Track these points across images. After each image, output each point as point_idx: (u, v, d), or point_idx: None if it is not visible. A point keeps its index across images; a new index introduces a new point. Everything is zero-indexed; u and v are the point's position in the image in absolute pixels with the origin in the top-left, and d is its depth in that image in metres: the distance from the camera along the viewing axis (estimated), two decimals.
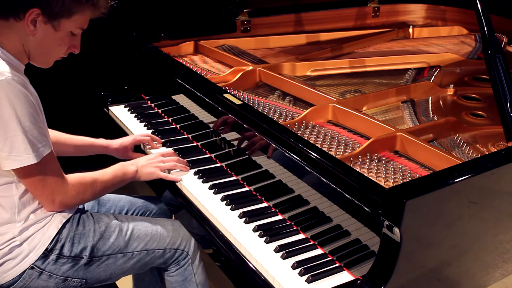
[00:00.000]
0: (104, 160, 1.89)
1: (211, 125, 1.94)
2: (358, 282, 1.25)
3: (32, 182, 1.46)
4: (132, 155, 1.95)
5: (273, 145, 1.58)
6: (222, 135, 1.87)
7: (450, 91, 2.03)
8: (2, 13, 1.41)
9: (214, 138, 1.93)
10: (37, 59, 1.50)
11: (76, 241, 1.58)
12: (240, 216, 1.57)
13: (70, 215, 1.60)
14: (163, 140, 2.00)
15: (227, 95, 1.83)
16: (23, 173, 1.44)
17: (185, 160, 1.85)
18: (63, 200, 1.52)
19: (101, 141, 1.96)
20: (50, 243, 1.53)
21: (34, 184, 1.46)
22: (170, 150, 1.92)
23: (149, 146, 1.98)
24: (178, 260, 1.73)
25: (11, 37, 1.44)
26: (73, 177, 1.55)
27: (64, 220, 1.57)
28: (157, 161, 1.77)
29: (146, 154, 1.95)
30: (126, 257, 1.65)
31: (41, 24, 1.42)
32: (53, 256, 1.54)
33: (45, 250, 1.53)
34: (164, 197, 1.88)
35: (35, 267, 1.52)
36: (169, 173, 1.78)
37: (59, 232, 1.55)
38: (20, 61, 1.48)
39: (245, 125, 1.70)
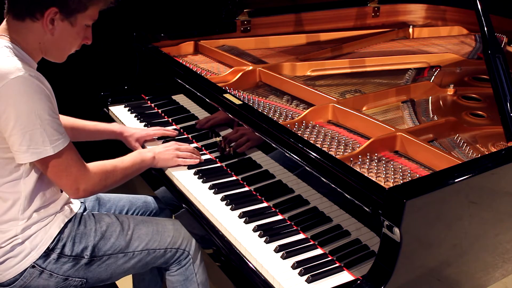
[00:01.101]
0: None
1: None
2: (358, 282, 1.25)
3: (55, 173, 1.47)
4: (137, 148, 1.95)
5: (273, 145, 1.58)
6: (222, 135, 1.87)
7: (450, 91, 2.03)
8: (18, 14, 1.44)
9: (214, 138, 1.94)
10: (54, 54, 1.53)
11: (77, 240, 1.58)
12: (240, 216, 1.57)
13: (72, 214, 1.61)
14: (162, 141, 2.00)
15: (227, 95, 1.83)
16: (45, 165, 1.45)
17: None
18: (87, 187, 1.53)
19: (115, 127, 1.99)
20: (52, 242, 1.54)
21: (58, 175, 1.48)
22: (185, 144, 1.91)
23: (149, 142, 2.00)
24: (179, 260, 1.73)
25: (28, 36, 1.46)
26: (94, 165, 1.56)
27: (66, 220, 1.58)
28: (173, 149, 1.80)
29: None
30: (127, 257, 1.65)
31: (58, 22, 1.45)
32: (54, 255, 1.54)
33: (46, 249, 1.53)
34: (164, 197, 1.88)
35: (36, 265, 1.53)
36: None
37: (61, 232, 1.56)
38: (34, 59, 1.50)
39: (245, 125, 1.70)
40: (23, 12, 1.43)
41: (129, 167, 1.67)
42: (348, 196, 1.34)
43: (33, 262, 1.52)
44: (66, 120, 1.88)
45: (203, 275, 1.78)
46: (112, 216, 1.69)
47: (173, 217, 1.93)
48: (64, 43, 1.51)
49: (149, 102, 2.36)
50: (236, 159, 1.80)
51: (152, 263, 1.72)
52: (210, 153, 1.92)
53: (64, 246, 1.56)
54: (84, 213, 1.66)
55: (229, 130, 1.83)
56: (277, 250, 1.42)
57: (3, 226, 1.51)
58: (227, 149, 1.82)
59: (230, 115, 1.78)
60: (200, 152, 1.93)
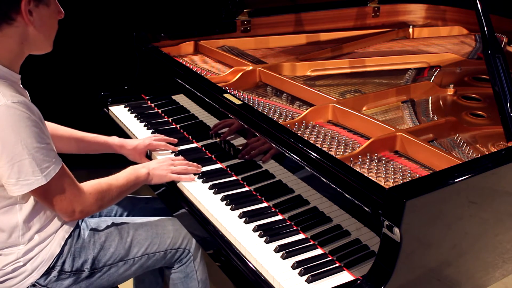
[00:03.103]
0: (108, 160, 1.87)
1: (211, 126, 1.94)
2: (358, 282, 1.25)
3: (49, 200, 1.43)
4: (143, 160, 1.92)
5: (273, 145, 1.58)
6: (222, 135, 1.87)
7: (450, 91, 2.03)
8: None
9: (214, 139, 1.93)
10: (42, 46, 1.45)
11: (76, 255, 1.57)
12: (240, 216, 1.57)
13: (71, 229, 1.58)
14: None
15: (227, 95, 1.83)
16: (37, 194, 1.41)
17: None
18: (83, 209, 1.49)
19: (115, 140, 1.93)
20: (52, 261, 1.52)
21: (51, 200, 1.43)
22: (180, 157, 1.88)
23: (157, 151, 1.95)
24: (180, 258, 1.73)
25: (7, 43, 1.38)
26: (88, 185, 1.52)
27: (66, 236, 1.56)
28: (167, 164, 1.76)
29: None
30: (127, 264, 1.64)
31: (35, 10, 1.37)
32: (54, 273, 1.53)
33: (47, 268, 1.52)
34: (165, 197, 1.88)
35: (37, 284, 1.52)
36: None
37: (61, 250, 1.54)
38: (14, 70, 1.42)
39: (245, 125, 1.70)
40: None
41: (124, 184, 1.62)
42: (348, 196, 1.34)
43: (34, 282, 1.51)
44: (63, 130, 1.83)
45: (203, 272, 1.77)
46: (110, 224, 1.67)
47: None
48: (48, 28, 1.42)
49: (149, 102, 2.36)
50: (236, 159, 1.80)
51: (153, 266, 1.71)
52: (210, 153, 1.92)
53: (64, 262, 1.54)
54: (82, 224, 1.63)
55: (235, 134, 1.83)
56: (277, 250, 1.42)
57: (4, 251, 1.48)
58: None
59: (230, 115, 1.78)
60: (200, 152, 1.94)
